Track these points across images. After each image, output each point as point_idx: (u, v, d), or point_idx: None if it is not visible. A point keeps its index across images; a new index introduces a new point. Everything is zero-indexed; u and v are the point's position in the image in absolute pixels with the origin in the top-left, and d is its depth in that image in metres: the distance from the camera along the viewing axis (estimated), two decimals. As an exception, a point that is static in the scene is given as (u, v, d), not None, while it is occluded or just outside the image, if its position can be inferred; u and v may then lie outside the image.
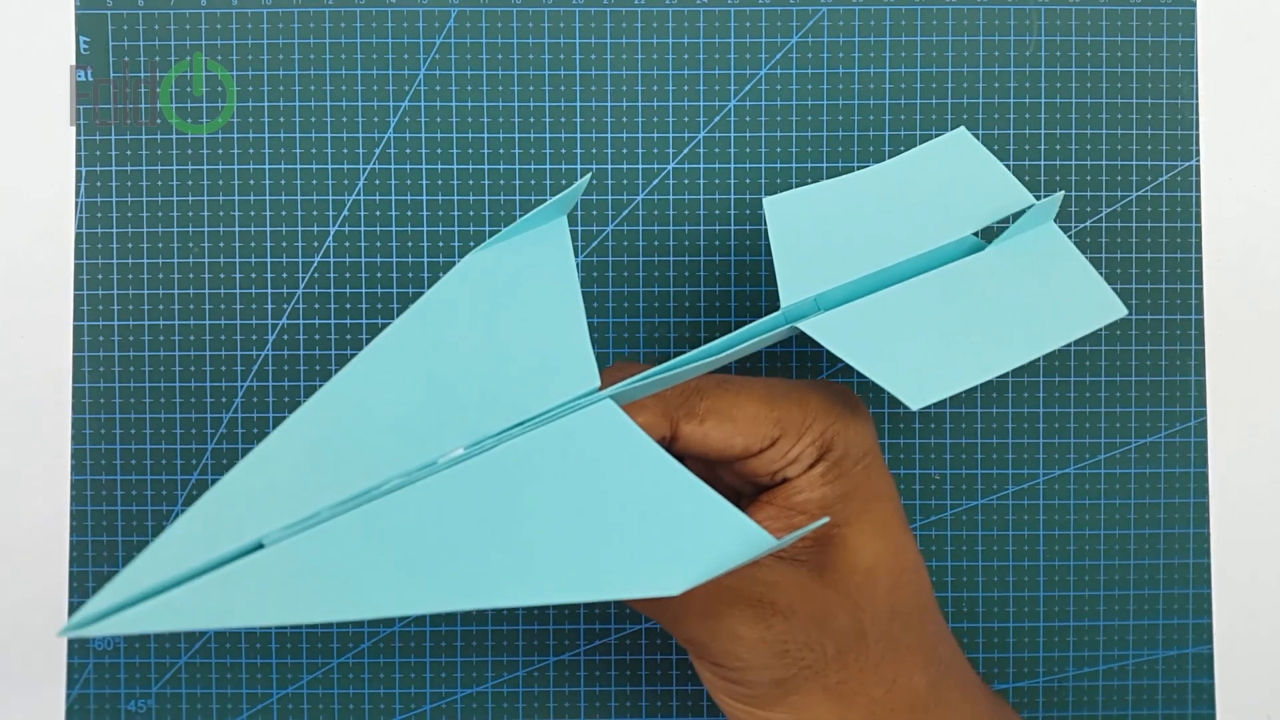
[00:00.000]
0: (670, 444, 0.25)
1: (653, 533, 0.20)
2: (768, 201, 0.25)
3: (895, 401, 0.24)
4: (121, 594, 0.17)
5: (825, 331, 0.24)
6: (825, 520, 0.22)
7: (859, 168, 0.33)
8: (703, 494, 0.21)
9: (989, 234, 0.27)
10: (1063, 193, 0.26)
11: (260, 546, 0.19)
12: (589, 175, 0.23)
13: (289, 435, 0.20)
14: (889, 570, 0.25)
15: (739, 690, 0.24)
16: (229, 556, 0.18)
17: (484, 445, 0.21)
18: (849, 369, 0.33)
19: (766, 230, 0.25)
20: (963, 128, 0.27)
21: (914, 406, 0.23)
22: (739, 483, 0.26)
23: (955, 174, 0.27)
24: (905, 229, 0.26)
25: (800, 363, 0.33)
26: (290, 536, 0.19)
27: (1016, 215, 0.26)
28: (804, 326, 0.24)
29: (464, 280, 0.22)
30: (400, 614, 0.19)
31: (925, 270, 0.25)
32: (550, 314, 0.22)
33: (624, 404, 0.22)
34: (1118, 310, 0.26)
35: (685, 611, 0.23)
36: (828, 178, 0.33)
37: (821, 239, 0.25)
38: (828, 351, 0.24)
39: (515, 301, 0.22)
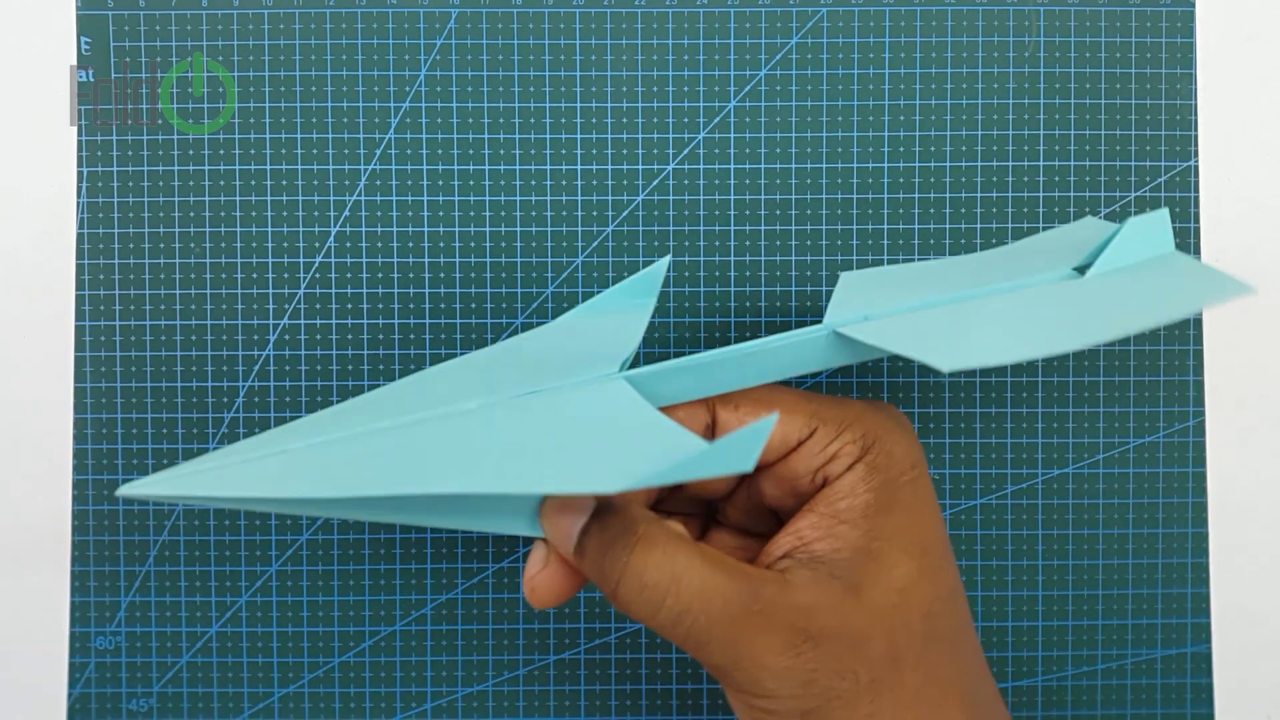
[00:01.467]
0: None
1: (607, 449, 0.21)
2: (843, 275, 0.26)
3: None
4: (164, 477, 0.22)
5: (863, 330, 0.23)
6: (775, 416, 0.20)
7: (858, 168, 0.33)
8: (670, 428, 0.22)
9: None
10: (1165, 210, 0.25)
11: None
12: (668, 257, 0.27)
13: (334, 408, 0.24)
14: (925, 596, 0.24)
15: (767, 718, 0.23)
16: (253, 459, 0.22)
17: (495, 403, 0.23)
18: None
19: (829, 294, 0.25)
20: (1090, 217, 0.28)
21: (945, 369, 0.22)
22: (782, 494, 0.26)
23: (1056, 239, 0.26)
24: (986, 273, 0.25)
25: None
26: (304, 447, 0.23)
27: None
28: (842, 329, 0.23)
29: (549, 328, 0.26)
30: (354, 494, 0.21)
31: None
32: (606, 345, 0.25)
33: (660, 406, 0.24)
34: (1241, 288, 0.24)
35: (711, 638, 0.22)
36: (826, 178, 0.33)
37: (888, 285, 0.25)
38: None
39: (582, 341, 0.25)
